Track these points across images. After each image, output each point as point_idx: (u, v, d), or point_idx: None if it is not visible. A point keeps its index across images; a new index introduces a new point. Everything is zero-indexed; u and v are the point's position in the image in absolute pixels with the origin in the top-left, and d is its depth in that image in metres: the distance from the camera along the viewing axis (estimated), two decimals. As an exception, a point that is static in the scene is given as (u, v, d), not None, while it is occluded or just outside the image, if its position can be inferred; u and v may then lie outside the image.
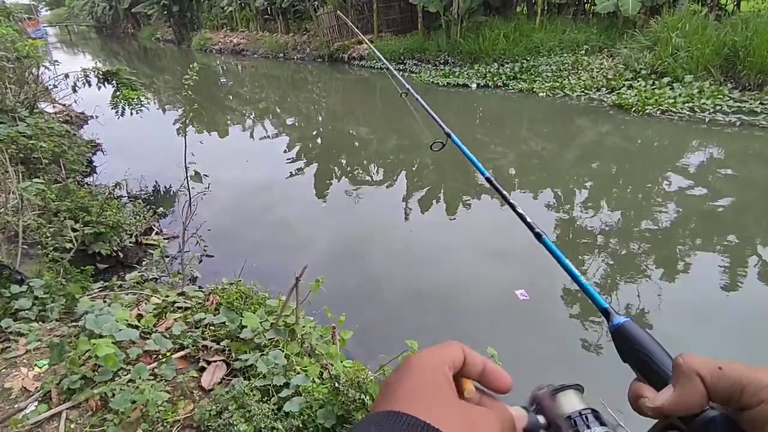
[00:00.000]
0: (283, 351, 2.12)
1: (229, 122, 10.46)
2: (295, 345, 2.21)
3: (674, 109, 8.12)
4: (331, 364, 2.17)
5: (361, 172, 6.94)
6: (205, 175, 3.05)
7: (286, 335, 2.24)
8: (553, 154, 7.29)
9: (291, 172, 6.78)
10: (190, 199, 3.07)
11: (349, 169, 7.13)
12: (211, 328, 2.39)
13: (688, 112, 8.00)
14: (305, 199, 5.93)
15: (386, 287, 3.97)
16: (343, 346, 2.59)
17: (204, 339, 2.27)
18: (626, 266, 4.12)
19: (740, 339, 3.15)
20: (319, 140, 9.06)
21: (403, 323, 3.52)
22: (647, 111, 8.26)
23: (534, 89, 10.32)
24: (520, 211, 0.72)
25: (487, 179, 0.87)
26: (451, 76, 11.85)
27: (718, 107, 7.99)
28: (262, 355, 2.06)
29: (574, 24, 12.30)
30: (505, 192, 0.79)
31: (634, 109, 8.41)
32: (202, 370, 2.08)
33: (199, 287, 3.33)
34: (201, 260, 4.18)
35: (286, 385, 1.85)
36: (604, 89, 9.67)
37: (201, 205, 4.21)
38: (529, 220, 0.69)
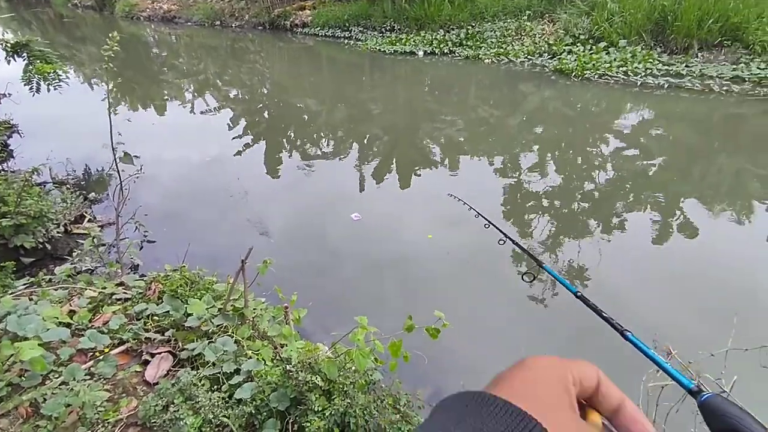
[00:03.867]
0: (232, 336, 2.06)
1: (166, 97, 9.76)
2: (245, 329, 2.15)
3: (610, 73, 8.46)
4: (284, 345, 2.13)
5: (311, 145, 6.75)
6: (136, 156, 2.82)
7: (235, 320, 2.17)
8: (500, 121, 7.42)
9: (238, 149, 6.48)
10: (121, 182, 2.84)
11: (299, 142, 6.91)
12: (155, 318, 2.27)
13: (622, 76, 8.37)
14: (255, 175, 5.70)
15: (341, 261, 3.94)
16: (297, 324, 2.55)
17: (147, 331, 2.15)
18: (570, 224, 4.33)
19: (672, 286, 3.43)
20: (266, 113, 8.69)
21: (360, 297, 3.53)
22: (586, 75, 8.56)
23: (480, 56, 10.36)
24: (606, 315, 0.81)
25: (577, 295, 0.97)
26: (397, 44, 11.63)
27: (648, 71, 8.41)
28: (210, 342, 1.98)
29: (516, -11, 12.34)
30: (597, 307, 0.87)
31: (574, 73, 8.68)
32: (147, 363, 1.98)
33: (141, 276, 3.15)
34: (141, 247, 3.94)
35: (237, 371, 1.80)
36: (546, 55, 9.88)
37: (139, 188, 3.93)
38: (614, 322, 0.77)
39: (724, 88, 7.53)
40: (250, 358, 1.99)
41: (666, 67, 8.45)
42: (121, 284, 2.81)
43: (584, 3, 10.36)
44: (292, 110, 8.66)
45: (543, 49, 10.05)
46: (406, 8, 12.45)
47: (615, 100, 7.86)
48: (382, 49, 11.53)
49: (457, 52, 10.78)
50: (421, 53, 11.01)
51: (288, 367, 1.52)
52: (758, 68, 7.88)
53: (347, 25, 13.59)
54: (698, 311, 3.19)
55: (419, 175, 5.53)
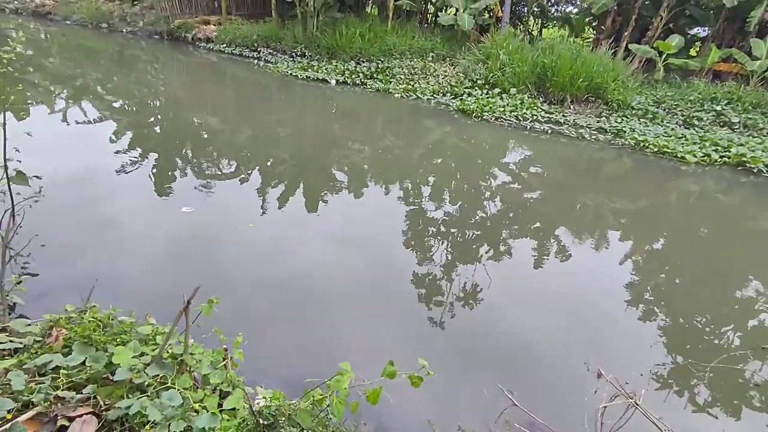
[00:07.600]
0: (172, 388, 1.81)
1: (30, 101, 8.38)
2: (186, 379, 1.91)
3: (504, 116, 9.51)
4: (228, 393, 1.93)
5: (211, 165, 6.32)
6: (37, 177, 2.38)
7: (173, 369, 1.91)
8: (403, 151, 7.81)
9: (122, 164, 5.78)
10: (13, 207, 2.36)
11: (196, 161, 6.42)
12: (64, 372, 1.89)
13: (514, 120, 9.46)
14: (145, 195, 5.12)
15: (261, 288, 3.72)
16: (234, 367, 2.35)
17: (57, 389, 1.79)
18: (464, 250, 4.69)
19: (557, 305, 3.88)
20: (157, 128, 7.95)
21: (293, 325, 3.36)
22: (484, 117, 9.49)
23: (390, 90, 10.88)
24: None
25: None
26: (309, 70, 11.68)
27: (534, 117, 9.64)
28: (148, 397, 1.72)
29: (421, 32, 13.33)
30: None
31: (474, 114, 9.57)
32: (64, 429, 1.64)
33: (22, 316, 2.64)
34: (20, 281, 3.27)
35: (189, 430, 1.58)
36: (449, 95, 10.75)
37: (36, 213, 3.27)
38: None
39: (593, 136, 8.96)
40: (197, 412, 1.77)
41: (548, 115, 9.78)
42: (4, 330, 2.31)
43: (480, 52, 11.57)
44: (189, 127, 8.07)
45: (446, 89, 10.93)
46: (317, 36, 12.61)
47: (507, 140, 8.83)
48: (293, 74, 11.46)
49: (369, 84, 11.19)
50: (333, 81, 11.19)
51: (261, 420, 1.39)
52: (615, 122, 9.55)
53: (256, 45, 13.28)
54: (598, 328, 3.67)
55: (326, 201, 5.51)
